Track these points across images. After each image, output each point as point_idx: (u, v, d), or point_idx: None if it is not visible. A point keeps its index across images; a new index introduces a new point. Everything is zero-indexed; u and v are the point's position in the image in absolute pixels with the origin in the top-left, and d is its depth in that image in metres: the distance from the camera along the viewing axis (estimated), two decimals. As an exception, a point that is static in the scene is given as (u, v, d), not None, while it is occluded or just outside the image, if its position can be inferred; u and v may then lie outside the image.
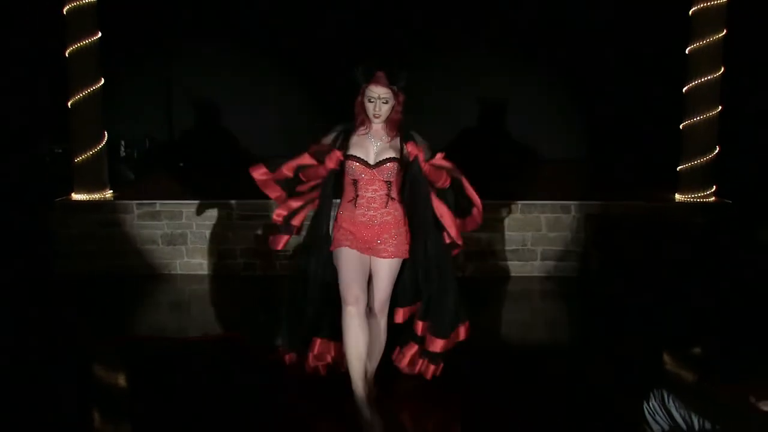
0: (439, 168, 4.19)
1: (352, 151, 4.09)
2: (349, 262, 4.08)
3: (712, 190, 7.33)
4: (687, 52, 7.19)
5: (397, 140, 4.13)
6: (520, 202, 7.16)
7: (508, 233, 7.14)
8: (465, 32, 9.30)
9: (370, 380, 4.25)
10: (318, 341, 4.41)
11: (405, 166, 4.15)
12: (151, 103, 9.77)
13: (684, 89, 7.26)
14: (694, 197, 7.30)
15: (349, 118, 4.16)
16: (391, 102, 4.03)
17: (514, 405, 4.42)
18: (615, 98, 9.32)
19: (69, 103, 7.23)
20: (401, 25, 9.20)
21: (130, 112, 9.35)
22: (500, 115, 9.42)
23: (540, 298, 6.82)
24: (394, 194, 4.15)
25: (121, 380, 5.10)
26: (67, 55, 7.15)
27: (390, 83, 3.99)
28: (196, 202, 7.24)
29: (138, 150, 9.45)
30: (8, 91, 9.16)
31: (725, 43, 7.10)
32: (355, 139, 4.13)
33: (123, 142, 9.25)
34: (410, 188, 4.20)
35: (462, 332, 4.46)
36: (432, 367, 4.50)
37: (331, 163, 4.13)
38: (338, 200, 4.25)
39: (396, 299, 4.38)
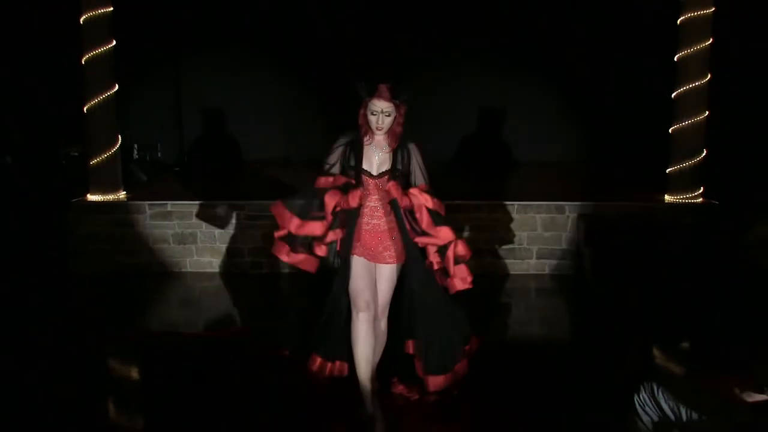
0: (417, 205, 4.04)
1: (356, 162, 4.04)
2: (358, 270, 4.07)
3: (700, 191, 7.33)
4: (676, 59, 7.19)
5: (398, 151, 4.07)
6: (516, 203, 7.16)
7: (505, 232, 7.14)
8: (464, 38, 9.28)
9: (372, 376, 4.25)
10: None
11: (404, 176, 4.10)
12: (162, 108, 9.77)
13: (673, 95, 7.26)
14: (683, 198, 7.30)
15: (351, 122, 4.12)
16: (394, 114, 3.98)
17: (509, 396, 4.43)
18: (608, 104, 9.32)
19: (85, 109, 7.23)
20: (401, 30, 9.18)
21: (143, 117, 9.36)
22: (497, 119, 9.40)
23: (535, 295, 6.82)
24: None
25: (134, 373, 5.11)
26: (83, 63, 7.16)
27: (392, 97, 3.94)
28: (206, 202, 7.24)
29: (150, 153, 9.45)
30: (27, 97, 9.18)
31: (712, 51, 7.11)
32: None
33: (136, 146, 9.24)
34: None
35: (460, 370, 4.26)
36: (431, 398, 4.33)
37: (354, 201, 4.01)
38: None
39: (404, 332, 4.30)
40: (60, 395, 4.45)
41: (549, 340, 5.79)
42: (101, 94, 7.19)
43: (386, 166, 4.06)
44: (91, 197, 7.36)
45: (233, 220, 7.19)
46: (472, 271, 4.14)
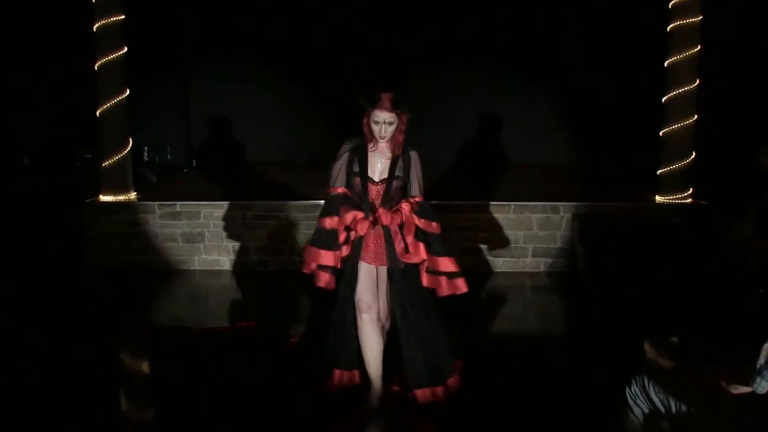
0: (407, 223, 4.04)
1: (360, 169, 4.05)
2: (362, 273, 4.08)
3: (689, 192, 7.34)
4: (666, 65, 7.20)
5: (399, 158, 4.07)
6: (512, 203, 7.16)
7: (502, 232, 7.14)
8: (463, 43, 9.28)
9: (380, 374, 4.23)
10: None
11: (405, 182, 4.10)
12: (171, 112, 9.78)
13: (663, 99, 7.27)
14: (673, 199, 7.31)
15: (354, 126, 4.13)
16: (396, 123, 3.98)
17: (505, 389, 4.43)
18: (602, 109, 9.31)
19: (97, 113, 7.25)
20: (401, 34, 9.18)
21: (152, 121, 9.37)
22: (494, 123, 9.40)
23: (531, 292, 6.83)
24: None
25: (144, 366, 5.12)
26: (96, 69, 7.18)
27: (394, 108, 3.94)
28: (213, 203, 7.25)
29: (160, 155, 9.46)
30: (44, 103, 9.20)
31: (700, 58, 7.12)
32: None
33: (146, 148, 9.26)
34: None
35: (442, 390, 4.13)
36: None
37: (361, 230, 4.01)
38: None
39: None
40: (73, 384, 4.47)
41: (544, 334, 5.80)
42: (113, 98, 7.20)
43: (388, 173, 4.07)
44: (103, 198, 7.37)
45: (239, 220, 7.19)
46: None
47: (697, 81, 7.14)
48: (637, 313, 5.76)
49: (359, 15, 9.18)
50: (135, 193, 7.54)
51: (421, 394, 4.10)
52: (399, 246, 4.03)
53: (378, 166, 4.07)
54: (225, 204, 7.23)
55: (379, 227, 4.06)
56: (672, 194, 7.31)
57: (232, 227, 7.20)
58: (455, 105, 9.35)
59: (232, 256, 7.25)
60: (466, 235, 7.09)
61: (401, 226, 4.04)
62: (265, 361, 4.80)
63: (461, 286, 4.06)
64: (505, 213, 7.14)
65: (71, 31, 8.06)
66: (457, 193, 7.44)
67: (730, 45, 8.14)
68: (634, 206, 7.26)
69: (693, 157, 7.27)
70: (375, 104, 3.95)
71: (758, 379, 2.94)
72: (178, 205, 7.26)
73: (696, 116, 7.20)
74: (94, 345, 5.18)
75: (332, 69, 9.24)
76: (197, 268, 7.26)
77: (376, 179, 4.07)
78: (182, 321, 5.79)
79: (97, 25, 7.09)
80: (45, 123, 9.24)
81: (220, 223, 7.21)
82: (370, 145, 4.07)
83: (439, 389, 4.13)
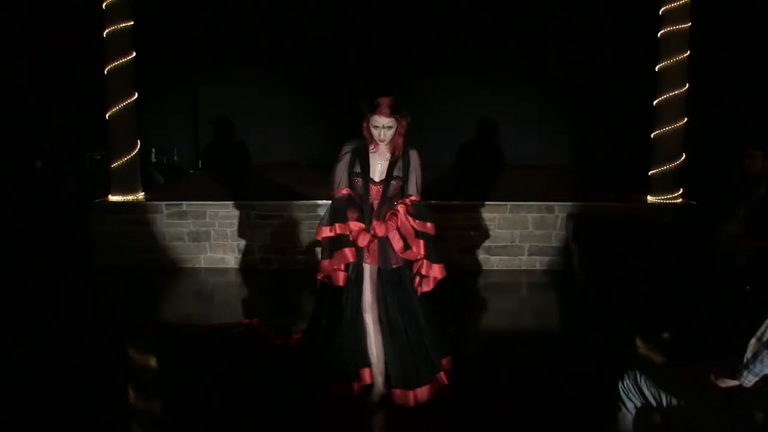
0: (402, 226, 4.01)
1: (361, 169, 4.05)
2: (365, 274, 4.08)
3: (680, 192, 7.33)
4: (657, 69, 7.19)
5: (399, 159, 4.06)
6: (509, 203, 7.16)
7: (498, 231, 7.14)
8: (462, 47, 9.28)
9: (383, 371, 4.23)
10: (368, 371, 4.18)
11: (403, 181, 4.08)
12: (179, 115, 9.77)
13: (654, 102, 7.26)
14: (664, 199, 7.30)
15: (356, 127, 4.12)
16: (395, 126, 3.97)
17: (500, 385, 4.43)
18: (595, 112, 9.30)
19: (107, 115, 7.25)
20: (405, 38, 9.18)
21: (160, 123, 9.36)
22: (491, 125, 9.39)
23: (527, 289, 6.82)
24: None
25: (152, 361, 5.12)
26: (105, 73, 7.17)
27: (392, 113, 3.93)
28: (219, 203, 7.25)
29: (167, 157, 9.46)
30: (55, 106, 9.19)
31: (689, 63, 7.12)
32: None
33: (154, 150, 9.25)
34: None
35: (424, 392, 4.06)
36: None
37: (363, 242, 4.00)
38: None
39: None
40: (82, 378, 4.47)
41: (539, 330, 5.80)
42: (122, 102, 7.20)
43: (386, 173, 4.06)
44: (112, 198, 7.37)
45: (244, 219, 7.19)
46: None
47: (687, 85, 7.14)
48: (629, 309, 5.75)
49: (363, 19, 9.17)
50: (143, 193, 7.54)
51: (398, 394, 4.05)
52: (398, 244, 4.02)
53: (378, 167, 4.07)
54: (230, 204, 7.23)
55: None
56: (663, 194, 7.30)
57: (237, 227, 7.20)
58: (455, 107, 9.33)
59: (237, 255, 7.25)
60: (464, 234, 7.08)
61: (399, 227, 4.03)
62: (268, 355, 4.79)
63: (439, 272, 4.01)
64: (501, 213, 7.14)
65: (82, 36, 8.06)
66: (455, 193, 7.43)
67: (718, 50, 8.14)
68: (627, 206, 7.25)
69: (683, 158, 7.27)
70: (374, 109, 3.94)
71: (745, 373, 2.95)
72: (185, 205, 7.25)
73: (686, 119, 7.20)
74: (103, 340, 5.17)
75: (336, 72, 9.23)
76: (203, 266, 7.26)
77: (377, 180, 4.07)
78: (189, 317, 5.79)
79: (107, 31, 7.09)
80: (56, 125, 9.23)
81: (226, 223, 7.21)
82: (370, 147, 4.06)
83: (411, 394, 4.03)
